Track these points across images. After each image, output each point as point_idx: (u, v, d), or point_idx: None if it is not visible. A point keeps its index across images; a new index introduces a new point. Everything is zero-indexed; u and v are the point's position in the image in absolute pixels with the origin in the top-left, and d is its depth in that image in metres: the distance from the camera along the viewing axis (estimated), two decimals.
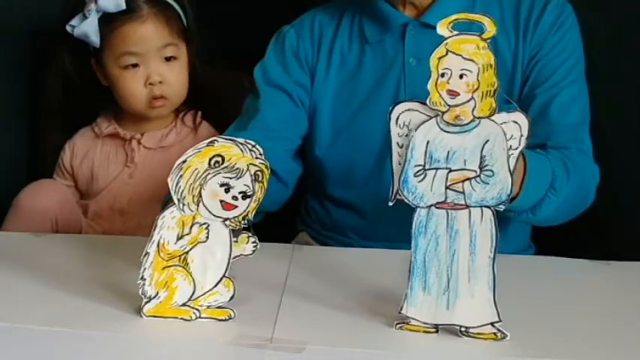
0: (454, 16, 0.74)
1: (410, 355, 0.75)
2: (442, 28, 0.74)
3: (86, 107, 1.42)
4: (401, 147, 0.76)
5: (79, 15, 1.29)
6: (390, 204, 0.77)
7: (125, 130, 1.38)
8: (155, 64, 1.31)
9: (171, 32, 1.31)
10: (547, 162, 0.99)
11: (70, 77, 1.38)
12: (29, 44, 1.52)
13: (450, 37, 0.73)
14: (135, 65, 1.30)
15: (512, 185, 0.73)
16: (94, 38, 1.29)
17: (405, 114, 0.76)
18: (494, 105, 0.73)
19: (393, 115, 0.76)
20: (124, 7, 1.28)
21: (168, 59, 1.32)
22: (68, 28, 1.30)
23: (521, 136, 0.73)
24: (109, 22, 1.29)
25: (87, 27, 1.28)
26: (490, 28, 0.73)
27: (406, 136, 0.76)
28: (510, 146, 0.73)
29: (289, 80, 1.21)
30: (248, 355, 0.73)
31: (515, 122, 0.73)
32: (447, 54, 0.73)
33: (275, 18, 1.28)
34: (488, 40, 0.72)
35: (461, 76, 0.72)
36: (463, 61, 0.72)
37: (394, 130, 0.76)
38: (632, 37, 1.34)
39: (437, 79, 0.73)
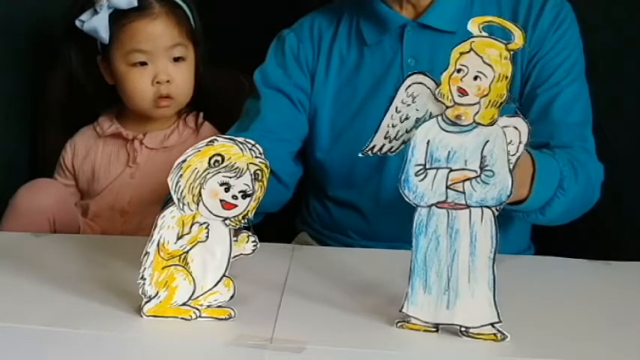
0: (488, 17, 0.74)
1: (410, 354, 0.75)
2: (473, 26, 0.73)
3: (87, 107, 1.42)
4: (397, 112, 0.77)
5: (90, 10, 1.29)
6: (360, 155, 0.80)
7: (127, 130, 1.38)
8: (163, 64, 1.31)
9: (180, 33, 1.32)
10: (555, 162, 1.00)
11: (76, 74, 1.38)
12: (29, 44, 1.52)
13: (477, 36, 0.73)
14: (143, 63, 1.30)
15: (511, 187, 0.73)
16: (104, 34, 1.29)
17: (417, 86, 0.76)
18: (496, 117, 0.73)
19: (407, 81, 0.77)
20: (135, 3, 1.28)
21: (176, 60, 1.32)
22: (78, 23, 1.30)
23: (520, 142, 0.74)
24: (119, 18, 1.28)
25: (97, 22, 1.28)
26: (518, 40, 0.72)
27: (407, 105, 0.76)
28: (508, 152, 0.73)
29: (290, 83, 1.21)
30: (248, 355, 0.73)
31: (515, 128, 0.74)
32: (469, 52, 0.73)
33: (274, 19, 1.28)
34: (512, 52, 0.72)
35: (475, 78, 0.72)
36: (482, 64, 0.72)
37: (400, 95, 0.77)
38: (632, 37, 1.34)
39: (452, 73, 0.73)
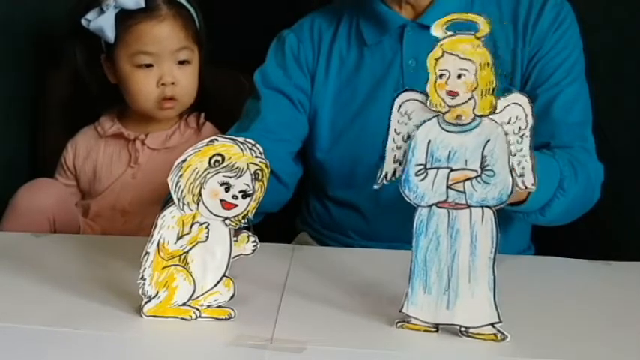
0: (448, 17, 0.74)
1: (410, 354, 0.75)
2: (437, 30, 0.74)
3: (88, 107, 1.42)
4: (397, 134, 0.77)
5: (96, 9, 1.29)
6: (376, 187, 0.78)
7: (129, 130, 1.38)
8: (169, 66, 1.30)
9: (187, 35, 1.31)
10: (554, 162, 1.00)
11: (80, 72, 1.37)
12: (29, 44, 1.52)
13: (444, 37, 0.73)
14: (148, 65, 1.30)
15: (533, 170, 0.74)
16: (109, 34, 1.28)
17: (408, 103, 0.76)
18: (494, 103, 0.73)
19: (398, 101, 0.76)
20: (143, 5, 1.27)
21: (181, 62, 1.32)
22: (84, 22, 1.29)
23: (526, 115, 0.73)
24: (125, 18, 1.28)
25: (103, 22, 1.27)
26: (484, 27, 0.73)
27: (405, 124, 0.76)
28: (519, 127, 0.73)
29: (290, 84, 1.21)
30: (248, 355, 0.73)
31: (516, 103, 0.74)
32: (443, 55, 0.73)
33: (274, 19, 1.28)
34: (482, 39, 0.72)
35: (459, 76, 0.73)
36: (460, 60, 0.72)
37: (395, 116, 0.77)
38: (632, 37, 1.34)
39: (435, 81, 0.73)
